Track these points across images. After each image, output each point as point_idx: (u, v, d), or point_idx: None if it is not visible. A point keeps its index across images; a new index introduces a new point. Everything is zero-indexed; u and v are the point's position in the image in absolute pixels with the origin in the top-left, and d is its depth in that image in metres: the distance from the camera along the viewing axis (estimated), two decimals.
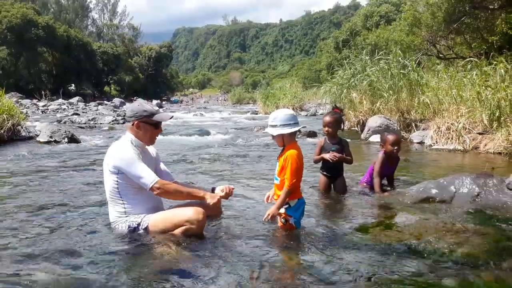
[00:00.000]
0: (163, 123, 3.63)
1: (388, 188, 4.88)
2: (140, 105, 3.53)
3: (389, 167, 4.87)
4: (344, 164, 4.84)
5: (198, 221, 3.26)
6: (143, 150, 3.52)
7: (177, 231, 3.29)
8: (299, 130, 3.58)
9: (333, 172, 4.77)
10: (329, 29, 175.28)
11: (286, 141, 3.42)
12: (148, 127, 3.48)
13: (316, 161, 4.82)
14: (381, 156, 4.80)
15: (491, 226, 3.49)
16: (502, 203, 4.00)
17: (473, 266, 2.69)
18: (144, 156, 3.48)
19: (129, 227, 3.37)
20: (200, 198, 3.45)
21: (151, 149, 3.74)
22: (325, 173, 4.82)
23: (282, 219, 3.45)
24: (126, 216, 3.41)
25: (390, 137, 4.76)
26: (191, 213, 3.28)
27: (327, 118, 4.65)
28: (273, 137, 3.45)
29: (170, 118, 3.67)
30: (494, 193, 4.15)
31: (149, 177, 3.30)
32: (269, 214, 3.29)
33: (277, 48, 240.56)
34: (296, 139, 3.50)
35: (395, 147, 4.68)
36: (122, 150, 3.37)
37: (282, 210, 3.42)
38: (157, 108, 3.62)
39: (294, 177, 3.32)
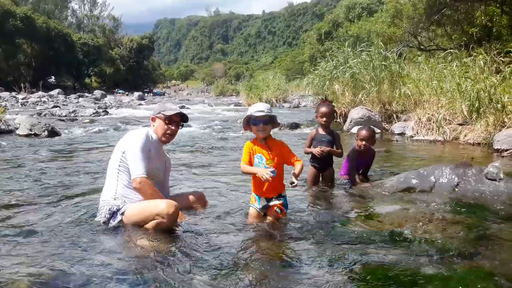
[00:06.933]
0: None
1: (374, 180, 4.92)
2: (160, 105, 3.91)
3: (361, 160, 4.89)
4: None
5: (168, 214, 3.18)
6: (156, 147, 3.66)
7: (149, 225, 3.24)
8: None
9: (322, 163, 4.78)
10: (312, 21, 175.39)
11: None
12: (160, 121, 3.65)
13: (306, 153, 4.85)
14: (352, 150, 4.85)
15: (469, 215, 3.55)
16: (481, 193, 4.07)
17: (452, 255, 2.73)
18: (154, 152, 3.61)
19: (109, 210, 3.39)
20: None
21: (167, 157, 3.93)
22: (314, 164, 4.84)
23: (277, 209, 3.47)
24: (114, 200, 3.42)
25: (360, 132, 4.79)
26: (163, 206, 3.21)
27: (324, 109, 4.62)
28: (266, 125, 3.42)
29: (177, 113, 3.70)
30: (473, 183, 4.22)
31: (139, 169, 3.38)
32: (295, 183, 3.32)
33: (260, 39, 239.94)
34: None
35: (363, 142, 4.71)
36: (135, 135, 3.58)
37: (279, 202, 3.49)
38: (175, 107, 3.86)
39: None
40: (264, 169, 3.30)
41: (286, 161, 3.50)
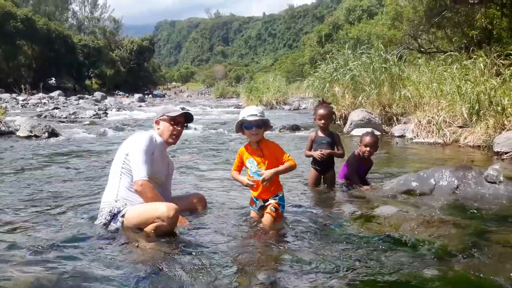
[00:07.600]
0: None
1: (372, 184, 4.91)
2: (162, 107, 3.93)
3: (361, 166, 4.87)
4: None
5: (168, 217, 3.15)
6: (160, 150, 3.67)
7: (149, 228, 3.21)
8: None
9: (323, 166, 4.78)
10: (312, 23, 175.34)
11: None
12: (165, 123, 3.68)
13: (307, 156, 4.85)
14: (352, 155, 4.83)
15: (469, 218, 3.55)
16: (481, 195, 4.07)
17: (452, 257, 2.73)
18: (158, 155, 3.61)
19: (110, 212, 3.38)
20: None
21: (169, 160, 3.95)
22: (315, 166, 4.83)
23: (272, 208, 3.48)
24: (115, 202, 3.42)
25: (364, 138, 4.72)
26: (163, 209, 3.18)
27: (322, 111, 4.61)
28: (259, 128, 3.42)
29: (181, 113, 3.73)
30: (473, 186, 4.22)
31: (142, 172, 3.37)
32: (266, 177, 3.36)
33: (261, 41, 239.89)
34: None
35: (367, 149, 4.67)
36: (139, 138, 3.58)
37: (273, 201, 3.50)
38: (177, 108, 3.94)
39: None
40: (245, 178, 3.48)
41: (280, 161, 3.48)
